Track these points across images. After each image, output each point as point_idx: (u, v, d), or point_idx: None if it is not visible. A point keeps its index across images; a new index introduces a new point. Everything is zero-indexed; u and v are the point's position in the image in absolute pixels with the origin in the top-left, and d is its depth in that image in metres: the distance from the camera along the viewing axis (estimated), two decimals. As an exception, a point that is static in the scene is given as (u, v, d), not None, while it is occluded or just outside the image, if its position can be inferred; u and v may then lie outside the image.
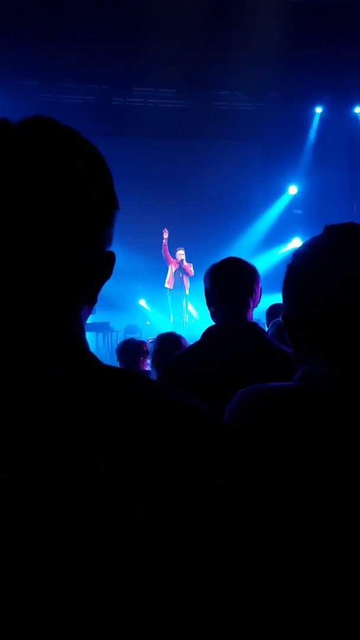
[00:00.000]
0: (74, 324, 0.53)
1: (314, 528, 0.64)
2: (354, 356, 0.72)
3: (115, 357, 3.15)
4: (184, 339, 2.47)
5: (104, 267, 0.56)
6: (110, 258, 0.57)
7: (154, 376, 2.39)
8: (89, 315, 0.58)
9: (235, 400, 0.79)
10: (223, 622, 0.44)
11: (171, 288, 8.14)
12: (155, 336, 2.60)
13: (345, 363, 0.72)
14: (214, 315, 1.64)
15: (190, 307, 8.29)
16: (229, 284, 1.59)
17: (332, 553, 0.63)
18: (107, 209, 0.55)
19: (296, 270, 0.80)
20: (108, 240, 0.56)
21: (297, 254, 0.81)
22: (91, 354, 0.52)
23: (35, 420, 0.45)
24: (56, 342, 0.50)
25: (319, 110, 9.57)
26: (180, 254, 8.07)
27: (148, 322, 8.94)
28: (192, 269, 7.98)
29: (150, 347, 2.52)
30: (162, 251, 8.20)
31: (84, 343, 0.53)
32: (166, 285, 8.17)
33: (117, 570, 0.42)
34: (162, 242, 8.18)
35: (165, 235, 8.13)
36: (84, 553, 0.42)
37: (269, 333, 2.46)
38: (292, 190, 9.95)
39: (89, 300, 0.56)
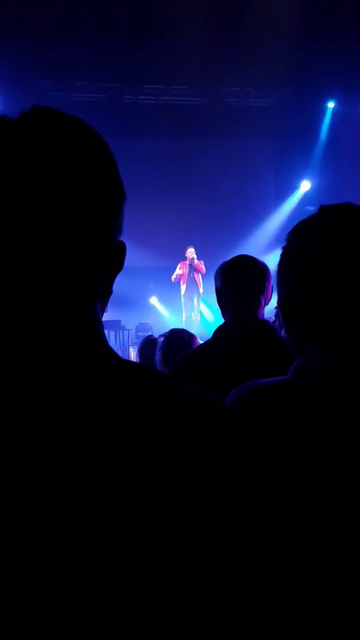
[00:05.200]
0: (92, 319, 0.53)
1: (317, 520, 0.63)
2: (352, 346, 0.69)
3: (127, 353, 3.16)
4: (192, 337, 2.46)
5: (115, 257, 0.56)
6: (121, 248, 0.56)
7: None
8: (104, 310, 0.58)
9: (229, 398, 0.77)
10: (227, 615, 0.44)
11: (184, 293, 8.12)
12: (164, 333, 2.59)
13: (341, 353, 0.69)
14: (224, 314, 1.64)
15: (202, 306, 8.27)
16: (239, 282, 1.59)
17: (334, 549, 0.63)
18: (113, 199, 0.54)
19: (291, 252, 0.75)
20: (117, 231, 0.56)
21: (292, 235, 0.76)
22: (111, 350, 0.53)
23: (53, 416, 0.45)
24: (75, 339, 0.50)
25: (331, 105, 9.48)
26: (190, 252, 8.03)
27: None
28: (203, 266, 7.94)
29: (159, 342, 2.50)
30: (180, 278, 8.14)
31: (103, 340, 0.53)
32: (182, 294, 8.15)
33: (121, 565, 0.42)
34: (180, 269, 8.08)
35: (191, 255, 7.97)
36: (88, 546, 0.42)
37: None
38: (305, 186, 9.88)
39: (103, 293, 0.56)
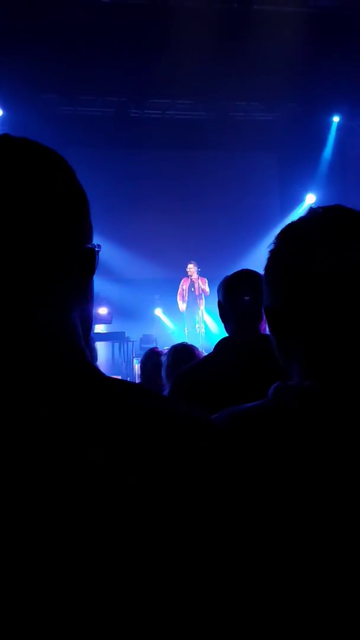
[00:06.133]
0: (69, 329, 0.52)
1: (305, 531, 0.62)
2: (333, 360, 0.66)
3: (131, 365, 3.17)
4: (197, 349, 2.46)
5: (84, 264, 0.55)
6: (90, 254, 0.56)
7: (167, 388, 2.38)
8: (87, 319, 0.57)
9: None
10: (222, 620, 0.44)
11: (184, 310, 8.10)
12: (169, 347, 2.60)
13: (322, 370, 0.66)
14: (227, 328, 1.65)
15: (207, 317, 8.27)
16: (241, 297, 1.59)
17: (323, 559, 0.61)
18: (73, 205, 0.55)
19: (279, 256, 0.72)
20: (84, 237, 0.56)
21: (281, 237, 0.73)
22: (89, 363, 0.52)
23: (30, 428, 0.44)
24: (50, 352, 0.49)
25: (336, 119, 9.55)
26: (189, 267, 8.02)
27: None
28: (207, 287, 7.92)
29: (163, 359, 2.50)
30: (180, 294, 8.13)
31: (82, 352, 0.52)
32: (182, 309, 8.13)
33: (116, 570, 0.42)
34: (182, 286, 8.06)
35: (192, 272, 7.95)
36: (83, 553, 0.41)
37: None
38: (310, 199, 9.91)
39: (79, 301, 0.55)
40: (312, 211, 0.73)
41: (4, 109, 7.88)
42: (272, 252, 0.74)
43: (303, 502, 0.63)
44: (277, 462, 0.64)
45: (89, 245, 0.57)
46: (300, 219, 0.74)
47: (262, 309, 1.54)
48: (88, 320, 0.58)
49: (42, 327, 0.50)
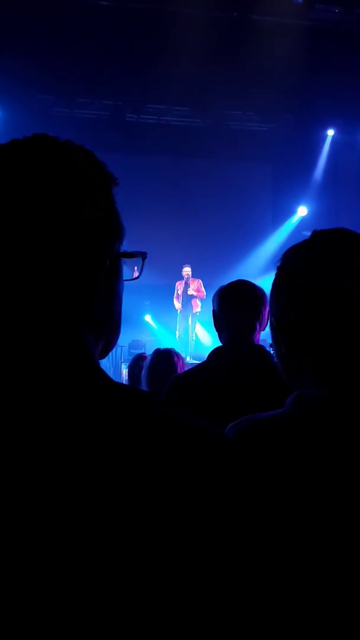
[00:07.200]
0: (80, 337, 0.52)
1: (310, 536, 0.63)
2: (345, 369, 0.69)
3: (119, 370, 3.18)
4: (178, 357, 2.45)
5: (106, 272, 0.55)
6: (97, 267, 0.54)
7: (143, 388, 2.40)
8: (101, 333, 0.56)
9: (227, 432, 0.77)
10: (225, 621, 0.44)
11: (180, 310, 8.16)
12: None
13: (334, 378, 0.70)
14: (221, 337, 1.65)
15: (198, 326, 8.28)
16: (236, 307, 1.60)
17: (328, 562, 0.62)
18: (94, 214, 0.54)
19: (292, 272, 0.75)
20: (110, 245, 0.55)
21: (292, 254, 0.77)
22: (103, 372, 0.52)
23: (36, 429, 0.45)
24: (67, 361, 0.49)
25: (330, 132, 9.65)
26: (186, 271, 8.07)
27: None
28: (203, 289, 7.96)
29: (145, 361, 2.53)
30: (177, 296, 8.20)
31: (94, 361, 0.52)
32: (176, 306, 8.18)
33: (120, 571, 0.42)
34: (177, 290, 8.15)
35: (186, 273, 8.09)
36: (86, 554, 0.42)
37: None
38: (302, 211, 9.99)
39: (89, 315, 0.54)
40: (316, 233, 0.77)
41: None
42: (281, 268, 0.77)
43: (328, 509, 0.64)
44: (303, 469, 0.66)
45: (117, 254, 0.57)
46: (306, 240, 0.78)
47: (257, 324, 1.56)
48: (109, 328, 0.58)
49: (52, 334, 0.50)
